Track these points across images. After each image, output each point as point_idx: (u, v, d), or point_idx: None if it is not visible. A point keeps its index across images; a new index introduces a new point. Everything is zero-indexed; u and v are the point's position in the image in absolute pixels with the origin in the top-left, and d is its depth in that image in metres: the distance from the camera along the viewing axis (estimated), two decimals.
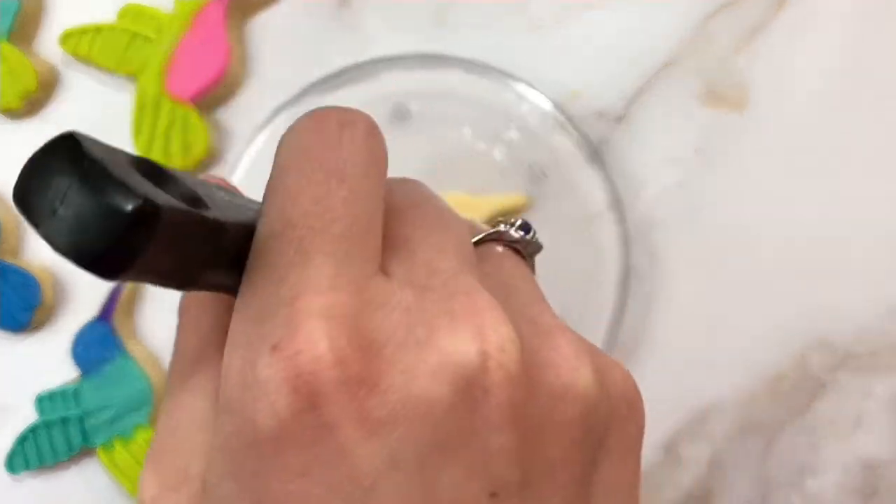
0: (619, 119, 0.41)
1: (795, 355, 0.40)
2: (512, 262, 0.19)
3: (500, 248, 0.19)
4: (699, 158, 0.41)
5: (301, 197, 0.15)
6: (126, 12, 0.40)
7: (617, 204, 0.39)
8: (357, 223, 0.15)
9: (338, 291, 0.14)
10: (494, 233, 0.19)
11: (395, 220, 0.17)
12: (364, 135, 0.17)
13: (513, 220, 0.20)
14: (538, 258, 0.35)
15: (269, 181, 0.16)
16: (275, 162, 0.17)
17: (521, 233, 0.20)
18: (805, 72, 0.41)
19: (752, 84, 0.41)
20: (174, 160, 0.39)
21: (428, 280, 0.15)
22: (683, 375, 0.40)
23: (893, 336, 0.40)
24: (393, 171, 0.42)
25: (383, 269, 0.16)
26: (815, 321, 0.40)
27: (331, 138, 0.16)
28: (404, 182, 0.19)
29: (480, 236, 0.19)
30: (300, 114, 0.42)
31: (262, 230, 0.15)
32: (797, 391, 0.40)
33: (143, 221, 0.12)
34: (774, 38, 0.41)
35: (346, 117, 0.17)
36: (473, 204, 0.38)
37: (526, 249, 0.20)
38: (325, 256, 0.14)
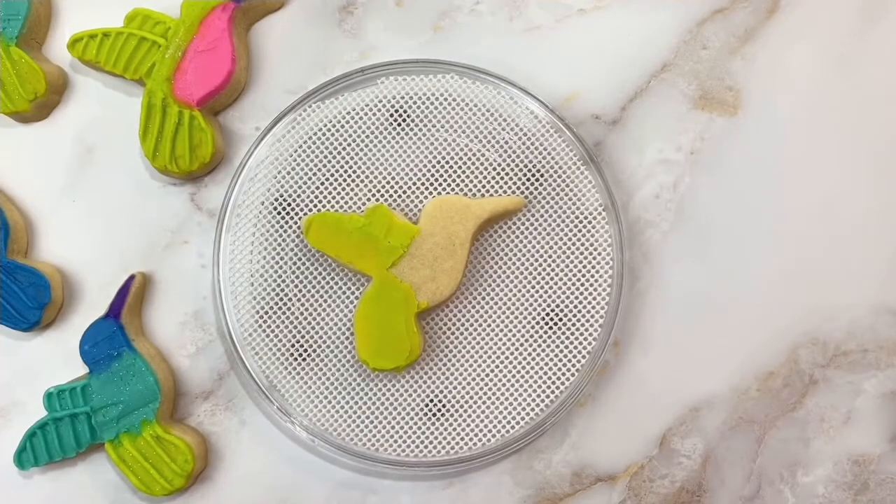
0: (615, 122, 0.41)
1: (787, 352, 0.41)
2: None
3: None
4: (692, 161, 0.41)
5: None
6: (133, 17, 0.40)
7: (612, 205, 0.39)
8: None
9: None
10: None
11: None
12: None
13: None
14: (539, 255, 0.36)
15: None
16: None
17: None
18: (796, 76, 0.41)
19: (744, 88, 0.41)
20: (181, 162, 0.40)
21: None
22: (677, 372, 0.40)
23: (883, 333, 0.41)
24: (392, 175, 0.43)
25: None
26: (806, 319, 0.41)
27: None
28: None
29: None
30: (303, 116, 0.43)
31: None
32: (788, 387, 0.41)
33: None
34: (766, 43, 0.42)
35: None
36: (471, 206, 0.38)
37: None
38: None
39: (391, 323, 0.38)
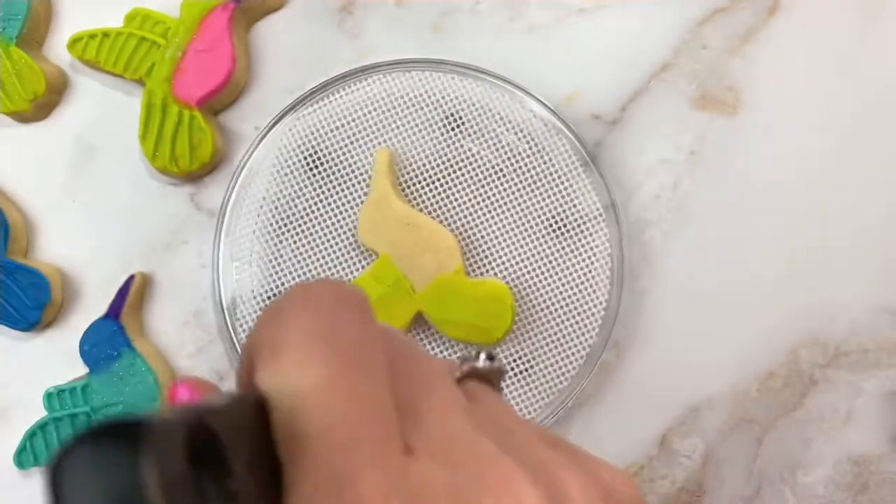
0: (615, 122, 0.41)
1: (787, 352, 0.41)
2: (493, 400, 0.20)
3: (475, 386, 0.20)
4: (692, 161, 0.41)
5: (334, 395, 0.15)
6: (133, 17, 0.41)
7: (611, 205, 0.39)
8: (383, 411, 0.15)
9: (393, 500, 0.15)
10: (470, 370, 0.21)
11: (392, 383, 0.17)
12: (365, 309, 0.16)
13: (476, 352, 0.21)
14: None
15: (273, 361, 0.16)
16: (276, 338, 0.16)
17: (489, 362, 0.21)
18: (797, 76, 0.41)
19: (744, 88, 0.41)
20: (181, 163, 0.40)
21: (451, 451, 0.16)
22: (677, 372, 0.40)
23: (883, 334, 0.41)
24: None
25: (403, 442, 0.16)
26: (806, 319, 0.41)
27: (341, 320, 0.16)
28: (385, 337, 0.18)
29: (458, 376, 0.21)
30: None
31: (300, 430, 0.15)
32: (789, 388, 0.41)
33: None
34: (766, 43, 0.42)
35: (341, 293, 0.16)
36: (374, 193, 0.38)
37: (495, 377, 0.21)
38: (371, 461, 0.15)
39: None
